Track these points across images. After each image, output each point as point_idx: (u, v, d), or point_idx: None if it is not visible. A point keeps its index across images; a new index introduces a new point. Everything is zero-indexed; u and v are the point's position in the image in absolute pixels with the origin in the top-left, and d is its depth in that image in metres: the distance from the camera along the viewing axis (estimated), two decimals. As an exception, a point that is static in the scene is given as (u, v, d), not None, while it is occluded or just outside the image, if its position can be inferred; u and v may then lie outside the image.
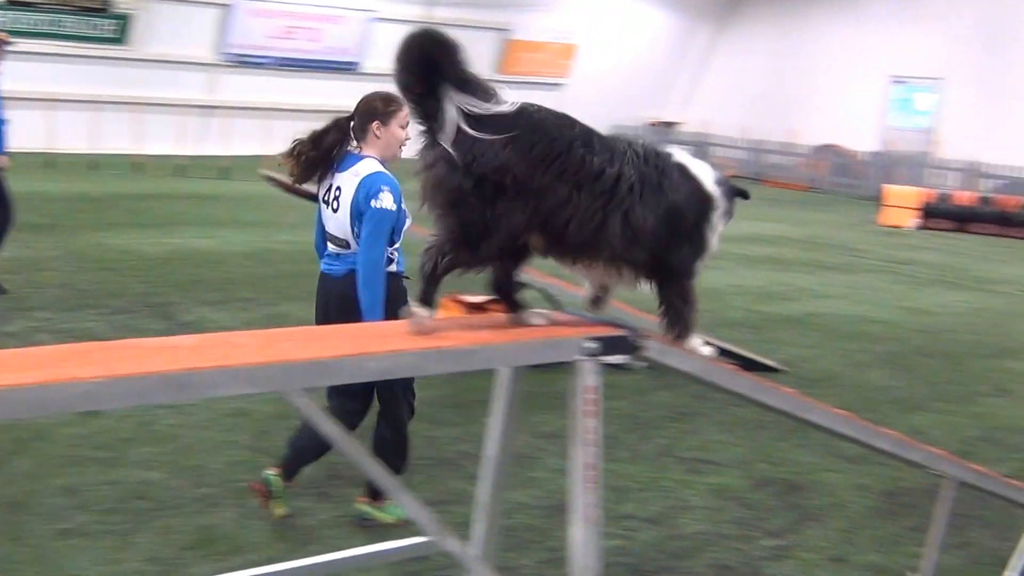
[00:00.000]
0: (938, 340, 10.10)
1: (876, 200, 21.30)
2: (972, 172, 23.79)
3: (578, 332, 2.90)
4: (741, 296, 11.67)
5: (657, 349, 2.99)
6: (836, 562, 5.06)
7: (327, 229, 5.02)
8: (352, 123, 4.98)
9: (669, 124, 30.51)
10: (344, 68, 25.40)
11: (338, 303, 4.94)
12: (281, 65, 24.92)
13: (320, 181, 4.99)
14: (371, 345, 2.65)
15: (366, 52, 25.47)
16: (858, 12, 27.48)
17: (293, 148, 4.91)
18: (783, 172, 26.95)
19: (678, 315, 3.39)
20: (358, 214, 4.83)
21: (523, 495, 5.57)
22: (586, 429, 2.89)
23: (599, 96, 28.74)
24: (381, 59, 25.55)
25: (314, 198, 5.21)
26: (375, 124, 4.94)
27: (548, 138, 3.21)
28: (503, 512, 5.23)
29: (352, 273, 4.88)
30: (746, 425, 7.02)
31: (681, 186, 3.41)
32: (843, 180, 25.90)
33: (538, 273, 9.71)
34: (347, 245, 4.93)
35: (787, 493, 5.92)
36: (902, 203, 20.26)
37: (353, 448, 2.81)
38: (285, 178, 9.22)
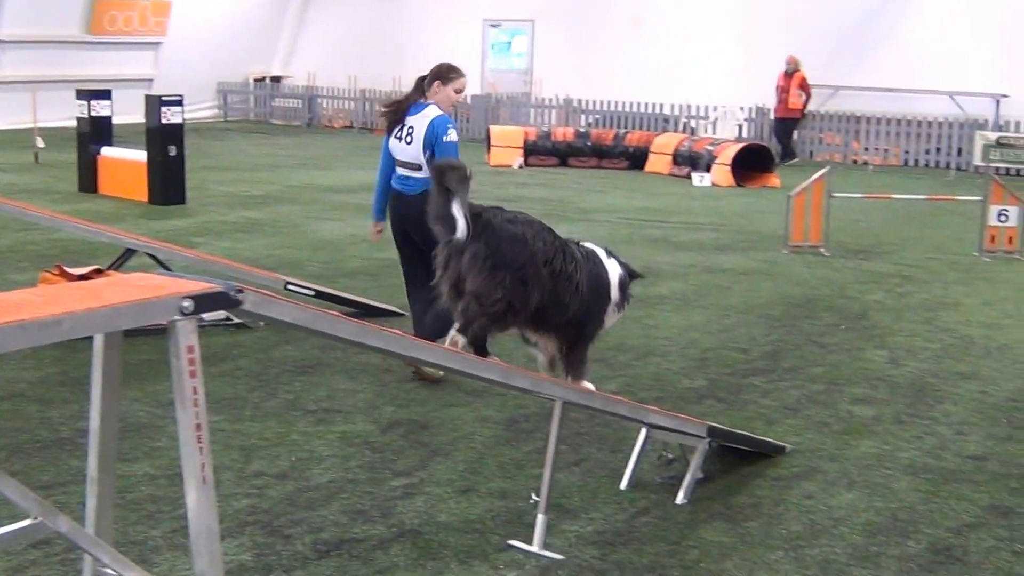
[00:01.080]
0: (548, 271, 10.55)
1: (484, 142, 21.94)
2: (569, 109, 24.94)
3: (173, 292, 2.80)
4: (359, 245, 11.74)
5: (254, 301, 2.93)
6: (464, 492, 5.22)
7: (399, 158, 6.89)
8: (425, 81, 6.90)
9: (276, 79, 30.10)
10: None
11: (416, 214, 6.36)
12: None
13: (394, 125, 6.87)
14: (-56, 325, 2.45)
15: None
16: (452, -42, 28.07)
17: (390, 104, 7.00)
18: (394, 120, 27.24)
19: (577, 367, 5.47)
20: (430, 144, 6.71)
21: (147, 466, 5.40)
22: (191, 390, 2.81)
23: (200, 53, 27.88)
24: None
25: None
26: (437, 83, 6.89)
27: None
28: (126, 486, 5.07)
29: (425, 192, 6.18)
30: (372, 371, 7.10)
31: (598, 283, 5.41)
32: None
33: (146, 238, 9.40)
34: (419, 168, 6.76)
35: (414, 432, 6.03)
36: (507, 143, 20.97)
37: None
38: None
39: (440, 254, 5.53)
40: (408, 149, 6.81)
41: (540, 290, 5.42)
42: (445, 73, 6.92)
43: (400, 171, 6.93)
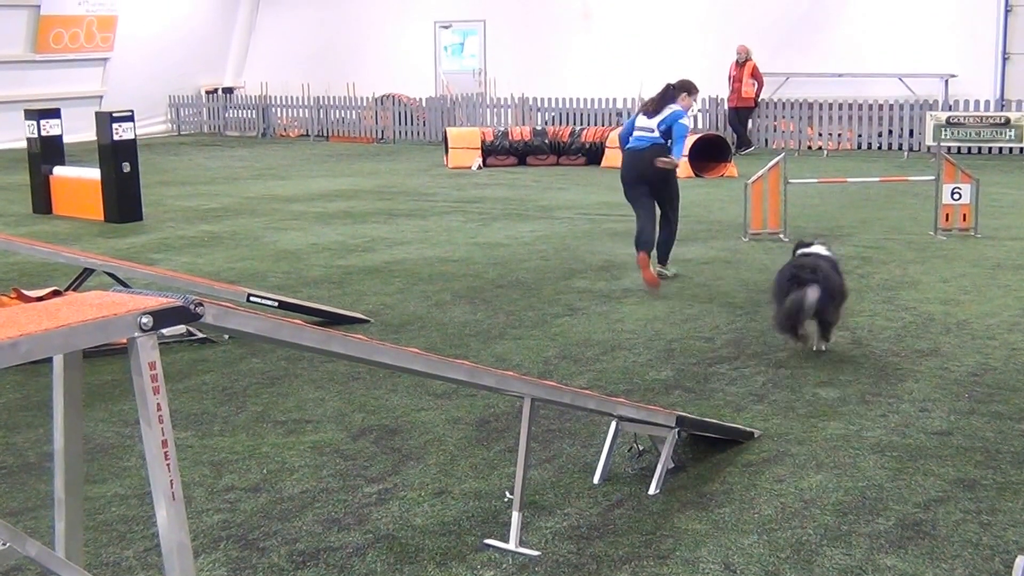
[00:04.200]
0: (511, 270, 10.58)
1: (441, 144, 21.92)
2: (524, 108, 24.94)
3: (131, 308, 2.78)
4: (321, 253, 11.71)
5: (215, 313, 2.92)
6: (438, 495, 5.22)
7: (640, 126, 10.09)
8: (674, 89, 10.16)
9: (228, 90, 29.93)
10: None
11: (648, 162, 9.94)
12: None
13: (649, 111, 10.12)
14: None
15: None
16: (400, -39, 28.04)
17: (649, 99, 10.32)
18: (349, 126, 27.18)
19: (830, 335, 7.60)
20: (667, 126, 9.91)
21: (117, 486, 5.36)
22: (155, 407, 2.79)
23: (150, 67, 27.70)
24: None
25: None
26: (683, 94, 10.20)
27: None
28: (96, 507, 5.04)
29: (653, 145, 9.95)
30: (339, 379, 7.08)
31: (844, 285, 7.75)
32: (407, 128, 26.47)
33: (104, 257, 9.33)
34: (653, 131, 9.97)
35: (385, 438, 6.02)
36: (465, 144, 20.93)
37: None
38: None
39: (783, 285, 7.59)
40: (651, 122, 10.03)
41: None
42: (688, 87, 10.29)
43: (638, 134, 10.09)
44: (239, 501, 5.17)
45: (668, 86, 10.15)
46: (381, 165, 21.32)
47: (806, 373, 7.08)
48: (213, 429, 6.21)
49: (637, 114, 10.33)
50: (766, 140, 22.82)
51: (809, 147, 22.21)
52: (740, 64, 21.81)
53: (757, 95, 22.11)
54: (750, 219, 12.10)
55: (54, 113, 15.48)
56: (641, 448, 5.57)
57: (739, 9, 23.46)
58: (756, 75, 21.87)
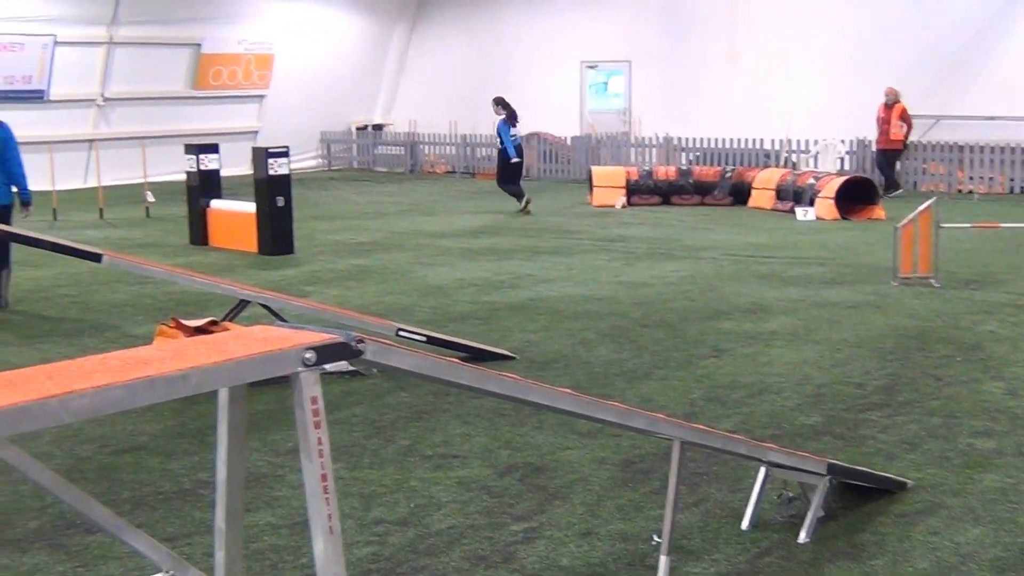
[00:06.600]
0: (656, 310, 10.51)
1: (586, 182, 21.99)
2: (669, 147, 24.87)
3: (296, 343, 2.84)
4: (466, 289, 11.82)
5: (375, 350, 2.97)
6: (584, 536, 5.20)
7: (515, 134, 19.46)
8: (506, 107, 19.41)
9: (378, 127, 30.56)
10: (29, 97, 24.08)
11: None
12: (-40, 99, 23.38)
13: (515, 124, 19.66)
14: (75, 383, 2.52)
15: (50, 78, 24.29)
16: (548, 1, 28.31)
17: (510, 115, 19.46)
18: (494, 164, 27.42)
19: None
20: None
21: (269, 515, 5.47)
22: (315, 441, 2.85)
23: (303, 104, 28.47)
24: (67, 84, 24.48)
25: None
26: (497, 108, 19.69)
27: None
28: (249, 536, 5.15)
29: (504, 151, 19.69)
30: (486, 415, 7.12)
31: None
32: (552, 166, 26.63)
33: (258, 288, 9.58)
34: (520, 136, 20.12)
35: (531, 476, 6.03)
36: (609, 183, 20.96)
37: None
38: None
39: None
40: (518, 130, 18.42)
41: None
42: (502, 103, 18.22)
43: (516, 139, 18.67)
44: (388, 534, 5.23)
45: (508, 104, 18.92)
46: (525, 202, 21.44)
47: (960, 423, 6.87)
48: (363, 461, 6.30)
49: (507, 126, 18.85)
50: (914, 183, 22.31)
51: (959, 191, 21.63)
52: (888, 106, 21.41)
53: (906, 137, 21.66)
54: (900, 263, 11.82)
55: (213, 148, 15.99)
56: (790, 495, 5.47)
57: (888, 50, 23.04)
58: (905, 117, 21.43)
